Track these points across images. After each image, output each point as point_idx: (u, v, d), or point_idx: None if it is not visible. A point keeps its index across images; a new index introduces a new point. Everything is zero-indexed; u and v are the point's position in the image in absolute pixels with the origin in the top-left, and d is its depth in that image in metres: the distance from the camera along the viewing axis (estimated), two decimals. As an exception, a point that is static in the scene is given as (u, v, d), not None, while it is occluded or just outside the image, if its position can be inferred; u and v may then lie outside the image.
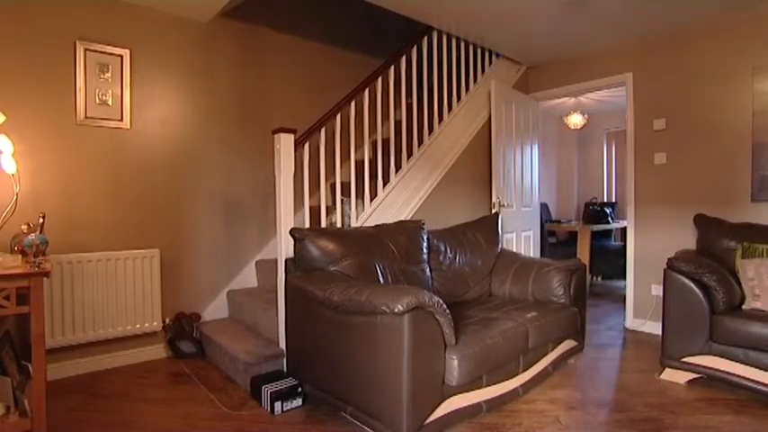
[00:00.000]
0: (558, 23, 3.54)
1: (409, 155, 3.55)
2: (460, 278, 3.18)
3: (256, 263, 3.67)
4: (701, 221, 3.18)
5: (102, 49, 2.97)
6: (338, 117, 3.11)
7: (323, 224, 3.14)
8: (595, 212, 5.46)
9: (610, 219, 5.52)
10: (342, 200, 3.19)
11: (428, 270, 3.05)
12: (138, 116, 3.12)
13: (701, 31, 3.50)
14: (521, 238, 4.30)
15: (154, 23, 3.17)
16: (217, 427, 2.23)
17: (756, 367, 2.40)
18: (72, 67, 2.88)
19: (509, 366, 2.43)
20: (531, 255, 4.32)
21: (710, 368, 2.56)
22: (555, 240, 6.14)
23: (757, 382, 2.40)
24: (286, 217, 2.79)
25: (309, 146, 2.97)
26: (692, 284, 2.62)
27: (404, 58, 3.53)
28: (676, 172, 3.67)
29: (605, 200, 6.85)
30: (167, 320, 3.21)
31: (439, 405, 2.10)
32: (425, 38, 3.70)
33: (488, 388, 2.34)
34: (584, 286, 3.12)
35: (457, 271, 3.19)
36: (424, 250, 3.06)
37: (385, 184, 3.39)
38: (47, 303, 2.66)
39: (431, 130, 3.72)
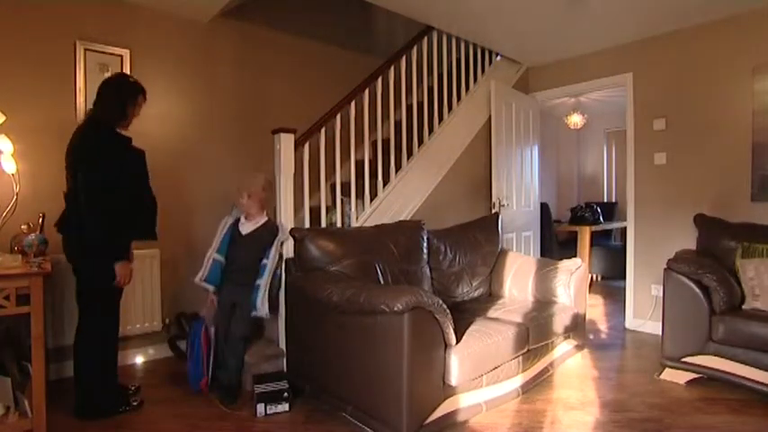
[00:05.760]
0: (558, 23, 3.54)
1: (409, 155, 3.54)
2: (461, 278, 3.18)
3: (256, 263, 3.66)
4: (701, 221, 3.17)
5: (103, 49, 2.97)
6: (338, 117, 3.11)
7: (323, 224, 3.14)
8: (580, 217, 5.41)
9: (600, 220, 5.50)
10: (342, 200, 3.19)
11: (428, 270, 3.05)
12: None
13: (701, 30, 3.50)
14: (521, 239, 4.30)
15: (154, 23, 3.16)
16: (216, 426, 2.23)
17: (756, 367, 2.40)
18: (72, 67, 2.88)
19: (509, 366, 2.43)
20: (531, 255, 4.32)
21: (710, 368, 2.56)
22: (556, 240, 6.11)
23: (757, 382, 2.40)
24: (286, 217, 2.79)
25: (309, 146, 2.96)
26: (691, 285, 2.62)
27: (404, 58, 3.53)
28: (676, 172, 3.66)
29: (605, 200, 6.85)
30: (167, 320, 3.21)
31: (439, 405, 2.10)
32: (425, 38, 3.69)
33: (488, 388, 2.34)
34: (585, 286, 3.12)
35: (457, 271, 3.19)
36: (424, 250, 3.06)
37: (385, 184, 3.38)
38: (47, 303, 2.66)
39: (431, 130, 3.71)
